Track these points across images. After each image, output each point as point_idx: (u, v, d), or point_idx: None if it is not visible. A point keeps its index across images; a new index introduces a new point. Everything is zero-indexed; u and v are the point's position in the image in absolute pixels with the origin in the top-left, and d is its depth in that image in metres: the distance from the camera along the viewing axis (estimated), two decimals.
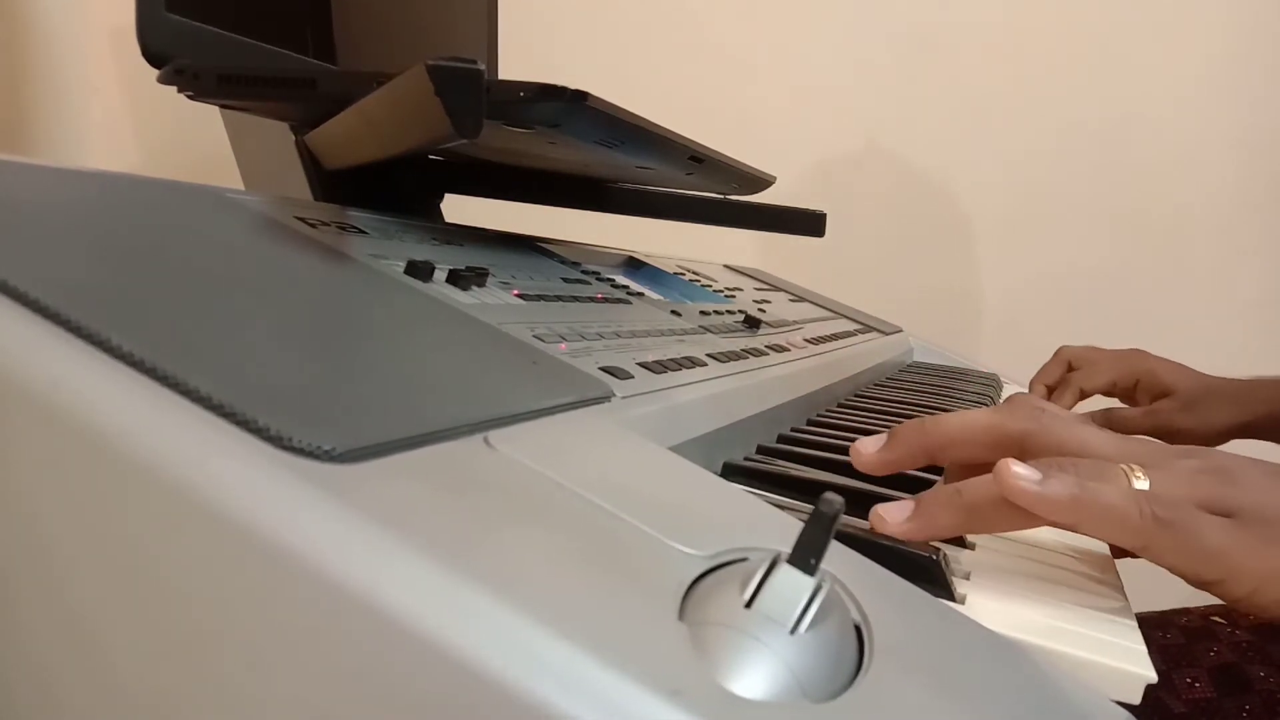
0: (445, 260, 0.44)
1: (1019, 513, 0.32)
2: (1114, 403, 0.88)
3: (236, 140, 0.63)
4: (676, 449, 0.33)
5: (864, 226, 1.25)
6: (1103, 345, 0.89)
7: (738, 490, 0.29)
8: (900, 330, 1.05)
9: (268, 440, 0.20)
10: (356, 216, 0.47)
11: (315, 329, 0.30)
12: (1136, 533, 0.31)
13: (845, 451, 0.47)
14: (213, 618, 0.19)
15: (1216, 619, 0.62)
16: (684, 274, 0.78)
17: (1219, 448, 0.74)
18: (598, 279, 0.60)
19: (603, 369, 0.37)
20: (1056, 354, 0.89)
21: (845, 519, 0.24)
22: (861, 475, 0.42)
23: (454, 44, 0.82)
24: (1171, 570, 0.32)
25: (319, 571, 0.18)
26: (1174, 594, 0.34)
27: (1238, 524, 0.32)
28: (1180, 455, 0.36)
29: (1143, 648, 0.29)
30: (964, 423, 0.38)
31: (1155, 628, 0.63)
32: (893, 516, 0.34)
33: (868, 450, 0.38)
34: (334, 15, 0.63)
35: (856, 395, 0.70)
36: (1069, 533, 0.34)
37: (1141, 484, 0.33)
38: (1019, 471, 0.32)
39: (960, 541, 0.38)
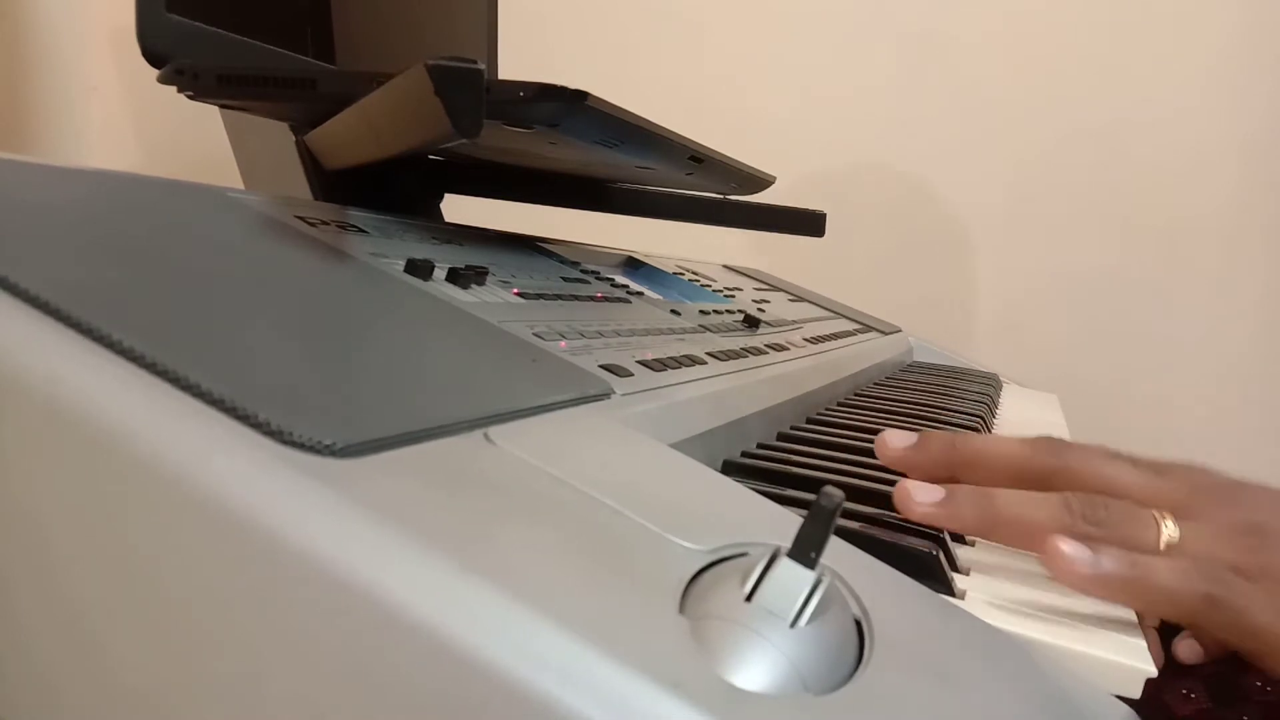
0: (445, 259, 0.44)
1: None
2: None
3: (236, 140, 0.63)
4: (676, 447, 0.33)
5: (864, 226, 1.25)
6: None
7: (738, 486, 0.29)
8: (899, 330, 1.05)
9: (269, 435, 0.20)
10: (356, 216, 0.47)
11: (316, 326, 0.30)
12: (1190, 614, 0.31)
13: (845, 449, 0.47)
14: (214, 613, 0.19)
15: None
16: (684, 274, 0.78)
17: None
18: (597, 278, 0.60)
19: (602, 366, 0.37)
20: None
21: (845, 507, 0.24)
22: (862, 472, 0.42)
23: (454, 44, 0.82)
24: (1216, 637, 0.32)
25: (321, 566, 0.18)
26: None
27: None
28: (1215, 502, 0.35)
29: (1143, 642, 0.29)
30: (991, 448, 0.37)
31: None
32: (920, 497, 0.34)
33: (894, 444, 0.38)
34: (334, 15, 0.63)
35: (856, 394, 0.70)
36: None
37: (1171, 533, 0.32)
38: (1070, 554, 0.30)
39: (959, 537, 0.38)
